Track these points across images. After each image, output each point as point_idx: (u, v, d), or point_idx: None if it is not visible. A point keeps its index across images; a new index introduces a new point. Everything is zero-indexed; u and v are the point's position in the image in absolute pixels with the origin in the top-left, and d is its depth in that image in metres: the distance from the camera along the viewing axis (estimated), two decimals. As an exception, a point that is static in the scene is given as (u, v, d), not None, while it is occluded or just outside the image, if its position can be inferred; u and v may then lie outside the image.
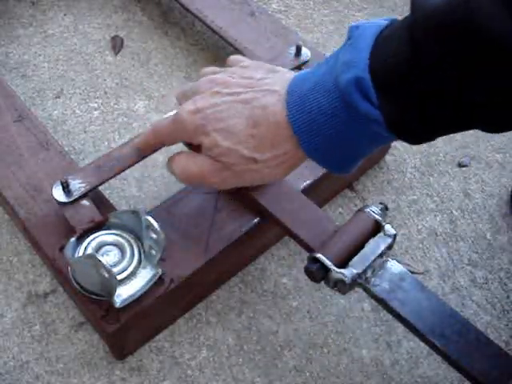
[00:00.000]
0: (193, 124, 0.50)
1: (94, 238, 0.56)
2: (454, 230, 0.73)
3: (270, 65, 0.52)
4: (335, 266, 0.53)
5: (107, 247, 0.56)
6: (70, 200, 0.59)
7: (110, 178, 0.62)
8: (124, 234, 0.57)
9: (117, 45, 0.90)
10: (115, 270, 0.54)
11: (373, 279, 0.54)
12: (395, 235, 0.56)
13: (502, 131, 0.41)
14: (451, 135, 0.82)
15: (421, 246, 0.71)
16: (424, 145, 0.81)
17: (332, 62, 0.45)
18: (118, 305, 0.53)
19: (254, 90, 0.48)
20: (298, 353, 0.62)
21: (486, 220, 0.74)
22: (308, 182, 0.65)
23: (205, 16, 0.82)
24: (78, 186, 0.60)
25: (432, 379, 0.61)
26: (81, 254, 0.55)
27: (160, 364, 0.61)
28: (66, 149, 0.76)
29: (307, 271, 0.54)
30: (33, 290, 0.65)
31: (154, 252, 0.54)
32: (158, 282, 0.56)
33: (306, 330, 0.64)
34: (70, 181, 0.59)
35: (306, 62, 0.73)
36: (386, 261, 0.56)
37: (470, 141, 0.82)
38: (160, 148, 0.59)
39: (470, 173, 0.79)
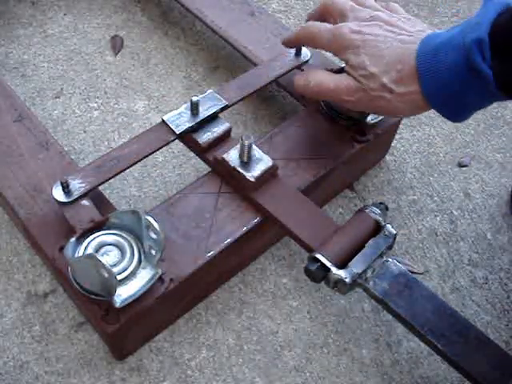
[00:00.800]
0: (350, 40, 0.56)
1: (94, 238, 0.56)
2: (454, 230, 0.73)
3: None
4: (335, 266, 0.53)
5: (107, 247, 0.56)
6: (70, 200, 0.59)
7: (110, 178, 0.62)
8: (124, 234, 0.56)
9: (117, 45, 0.90)
10: (115, 269, 0.54)
11: (373, 279, 0.54)
12: (395, 235, 0.56)
13: None
14: (451, 135, 0.83)
15: (421, 245, 0.71)
16: (424, 145, 0.81)
17: (464, 25, 0.50)
18: (117, 305, 0.53)
19: (412, 35, 0.54)
20: (298, 353, 0.62)
21: (486, 220, 0.74)
22: (308, 181, 0.65)
23: (205, 16, 0.82)
24: (77, 186, 0.60)
25: (432, 379, 0.61)
26: (81, 254, 0.55)
27: (160, 364, 0.61)
28: (66, 149, 0.76)
29: (307, 271, 0.54)
30: (32, 290, 0.65)
31: (153, 252, 0.54)
32: (158, 281, 0.56)
33: (305, 330, 0.64)
34: (69, 181, 0.59)
35: (306, 61, 0.74)
36: (387, 261, 0.56)
37: (470, 141, 0.82)
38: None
39: (470, 173, 0.79)
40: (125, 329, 0.55)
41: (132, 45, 0.90)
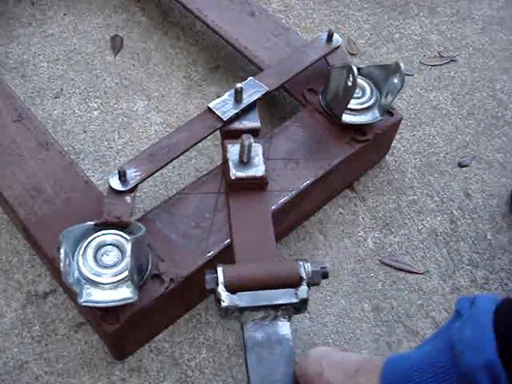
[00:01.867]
0: None
1: (94, 238, 0.56)
2: (455, 230, 0.73)
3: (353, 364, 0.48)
4: (225, 286, 0.51)
5: (107, 247, 0.56)
6: (127, 189, 0.59)
7: (163, 166, 0.62)
8: (123, 234, 0.57)
9: (116, 45, 0.89)
10: (115, 270, 0.54)
11: (254, 323, 0.52)
12: (304, 300, 0.52)
13: None
14: (451, 135, 0.83)
15: (421, 246, 0.71)
16: (424, 145, 0.81)
17: (444, 338, 0.42)
18: (81, 301, 0.52)
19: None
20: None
21: (486, 220, 0.74)
22: (308, 181, 0.65)
23: (205, 16, 0.82)
24: (133, 174, 0.60)
25: (432, 379, 0.61)
26: (81, 253, 0.55)
27: (160, 364, 0.61)
28: (66, 149, 0.76)
29: (204, 275, 0.53)
30: (32, 290, 0.65)
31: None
32: (158, 281, 0.56)
33: (305, 330, 0.64)
34: (126, 170, 0.60)
35: (338, 47, 0.75)
36: (282, 317, 0.52)
37: (470, 141, 0.82)
38: None
39: (470, 173, 0.79)
40: (125, 329, 0.55)
41: (132, 45, 0.90)
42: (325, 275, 0.54)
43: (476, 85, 0.89)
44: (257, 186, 0.62)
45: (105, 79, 0.85)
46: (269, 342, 0.51)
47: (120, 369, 0.60)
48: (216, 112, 0.66)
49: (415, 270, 0.69)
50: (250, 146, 0.61)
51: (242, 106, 0.66)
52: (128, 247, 0.54)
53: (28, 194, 0.62)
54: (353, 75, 0.63)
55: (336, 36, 0.75)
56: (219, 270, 0.52)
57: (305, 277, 0.53)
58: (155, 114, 0.81)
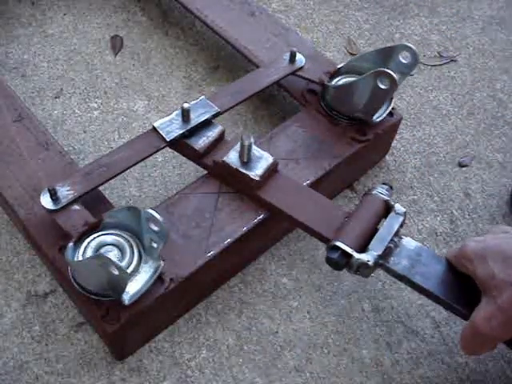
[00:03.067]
0: (473, 251, 0.52)
1: (94, 239, 0.56)
2: (455, 230, 0.73)
3: None
4: (356, 251, 0.54)
5: (107, 247, 0.56)
6: (58, 207, 0.58)
7: (99, 185, 0.61)
8: (120, 233, 0.56)
9: (116, 45, 0.89)
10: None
11: (392, 258, 0.55)
12: (405, 212, 0.58)
13: None
14: (451, 135, 0.83)
15: (421, 246, 0.71)
16: (424, 145, 0.81)
17: None
18: (126, 302, 0.53)
19: None
20: (298, 353, 0.62)
21: (486, 220, 0.74)
22: (308, 181, 0.65)
23: (205, 16, 0.82)
24: (65, 193, 0.59)
25: (432, 380, 0.61)
26: (80, 255, 0.55)
27: (160, 364, 0.61)
28: (66, 149, 0.76)
29: (329, 260, 0.54)
30: (32, 290, 0.65)
31: (155, 245, 0.54)
32: (158, 281, 0.56)
33: (305, 330, 0.64)
34: (57, 188, 0.59)
35: (301, 67, 0.73)
36: (401, 238, 0.56)
37: (470, 141, 0.82)
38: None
39: (470, 173, 0.79)
40: (125, 329, 0.55)
41: (132, 45, 0.90)
42: (392, 187, 0.60)
43: (476, 85, 0.89)
44: (273, 171, 0.63)
45: (105, 79, 0.85)
46: (414, 259, 0.55)
47: (120, 369, 0.60)
48: (160, 132, 0.65)
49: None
50: (250, 145, 0.60)
51: (189, 126, 0.65)
52: (154, 213, 0.53)
53: (28, 194, 0.62)
54: (391, 79, 0.62)
55: (299, 56, 0.73)
56: (339, 244, 0.54)
57: (388, 198, 0.58)
58: (155, 114, 0.81)
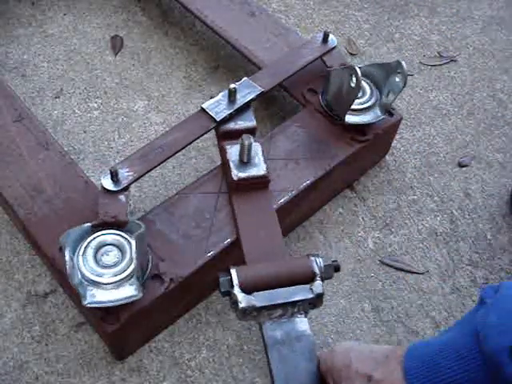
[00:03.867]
0: None
1: (94, 238, 0.56)
2: (455, 230, 0.73)
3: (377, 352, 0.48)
4: (240, 287, 0.51)
5: (107, 247, 0.56)
6: (119, 189, 0.59)
7: (156, 166, 0.62)
8: (123, 234, 0.57)
9: (117, 45, 0.89)
10: (116, 269, 0.54)
11: (271, 322, 0.52)
12: (320, 295, 0.53)
13: None
14: (451, 135, 0.83)
15: (421, 246, 0.71)
16: (424, 145, 0.81)
17: (468, 324, 0.42)
18: (85, 302, 0.51)
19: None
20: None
21: (486, 220, 0.74)
22: (308, 181, 0.65)
23: (205, 16, 0.82)
24: (126, 174, 0.60)
25: (432, 379, 0.61)
26: (81, 253, 0.55)
27: (160, 364, 0.61)
28: (66, 149, 0.76)
29: (217, 278, 0.52)
30: (32, 290, 0.65)
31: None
32: (158, 281, 0.56)
33: (306, 330, 0.64)
34: (118, 170, 0.60)
35: (333, 48, 0.74)
36: (299, 314, 0.53)
37: (470, 140, 0.82)
38: None
39: (470, 173, 0.79)
40: (125, 329, 0.55)
41: (132, 45, 0.90)
42: (337, 268, 0.55)
43: (476, 85, 0.89)
44: (259, 185, 0.62)
45: (105, 79, 0.85)
46: (289, 339, 0.52)
47: (120, 369, 0.60)
48: (209, 112, 0.66)
49: (415, 270, 0.69)
50: (250, 145, 0.61)
51: (236, 106, 0.66)
52: (132, 243, 0.54)
53: (28, 194, 0.62)
54: (356, 76, 0.63)
55: (331, 37, 0.74)
56: (233, 271, 0.52)
57: (318, 272, 0.54)
58: (155, 114, 0.81)
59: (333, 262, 0.55)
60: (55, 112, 0.81)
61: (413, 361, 0.43)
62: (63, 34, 0.91)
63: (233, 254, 0.62)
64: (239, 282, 0.51)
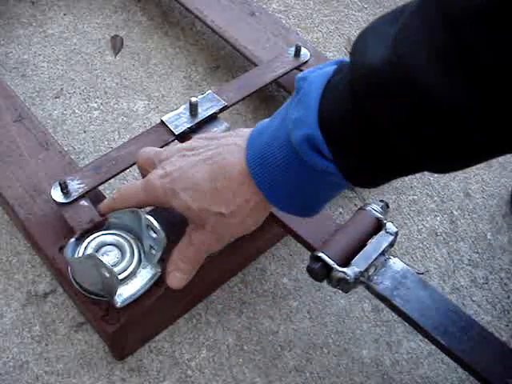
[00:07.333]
0: (163, 188, 0.50)
1: (94, 239, 0.56)
2: (455, 230, 0.73)
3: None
4: (337, 264, 0.53)
5: (107, 247, 0.56)
6: (69, 201, 0.59)
7: (109, 179, 0.62)
8: (124, 234, 0.56)
9: (116, 45, 0.90)
10: (115, 269, 0.54)
11: (375, 277, 0.55)
12: (397, 233, 0.57)
13: (448, 172, 0.42)
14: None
15: (421, 245, 0.71)
16: (424, 145, 0.81)
17: (283, 115, 0.45)
18: (118, 305, 0.53)
19: (216, 147, 0.49)
20: (298, 353, 0.62)
21: (486, 220, 0.74)
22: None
23: (205, 16, 0.82)
24: (76, 186, 0.60)
25: (432, 380, 0.61)
26: (81, 254, 0.54)
27: (160, 364, 0.61)
28: (66, 149, 0.76)
29: (309, 270, 0.54)
30: (32, 290, 0.65)
31: (154, 252, 0.54)
32: (158, 281, 0.56)
33: (305, 330, 0.64)
34: (68, 181, 0.59)
35: (306, 61, 0.73)
36: (388, 258, 0.56)
37: (470, 141, 0.82)
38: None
39: (470, 173, 0.79)
40: (125, 329, 0.55)
41: (132, 45, 0.90)
42: (387, 205, 0.59)
43: (476, 85, 0.89)
44: None
45: (105, 79, 0.85)
46: (397, 281, 0.55)
47: (120, 369, 0.60)
48: (169, 125, 0.65)
49: (415, 270, 0.69)
50: None
51: (197, 120, 0.65)
52: (150, 218, 0.53)
53: (28, 194, 0.62)
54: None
55: (304, 50, 0.73)
56: (322, 255, 0.53)
57: (381, 216, 0.57)
58: (155, 114, 0.81)
59: (381, 201, 0.59)
60: (55, 112, 0.81)
61: (252, 148, 0.47)
62: (63, 34, 0.91)
63: (233, 254, 0.62)
64: (334, 260, 0.53)
